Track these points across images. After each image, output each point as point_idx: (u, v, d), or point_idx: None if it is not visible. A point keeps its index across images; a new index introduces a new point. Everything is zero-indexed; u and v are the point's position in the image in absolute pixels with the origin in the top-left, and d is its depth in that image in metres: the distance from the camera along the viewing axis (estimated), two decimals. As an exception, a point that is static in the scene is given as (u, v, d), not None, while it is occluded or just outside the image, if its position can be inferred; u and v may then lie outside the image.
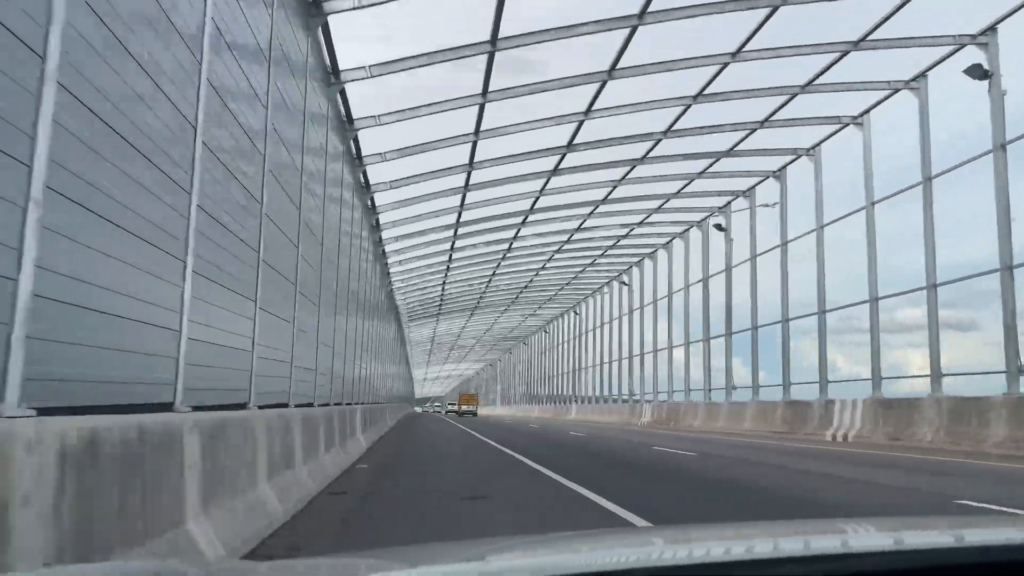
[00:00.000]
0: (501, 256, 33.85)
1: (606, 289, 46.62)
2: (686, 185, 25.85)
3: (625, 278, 42.27)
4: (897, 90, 19.51)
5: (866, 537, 1.68)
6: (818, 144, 23.30)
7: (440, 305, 46.24)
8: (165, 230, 4.78)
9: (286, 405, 8.77)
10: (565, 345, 59.22)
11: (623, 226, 32.03)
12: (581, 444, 18.95)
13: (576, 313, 54.89)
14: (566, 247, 34.31)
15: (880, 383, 20.80)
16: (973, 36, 17.06)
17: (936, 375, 18.57)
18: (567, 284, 45.89)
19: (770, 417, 24.29)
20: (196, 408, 4.98)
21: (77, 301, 3.75)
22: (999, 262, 16.72)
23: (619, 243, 35.30)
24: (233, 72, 6.08)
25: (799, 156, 24.15)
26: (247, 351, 6.94)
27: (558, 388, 61.33)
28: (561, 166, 21.38)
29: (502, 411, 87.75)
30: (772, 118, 19.95)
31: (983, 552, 1.36)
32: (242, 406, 6.72)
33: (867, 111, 21.10)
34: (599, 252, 37.18)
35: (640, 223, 31.32)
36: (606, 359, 47.49)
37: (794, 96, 18.64)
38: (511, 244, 31.58)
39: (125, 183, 4.21)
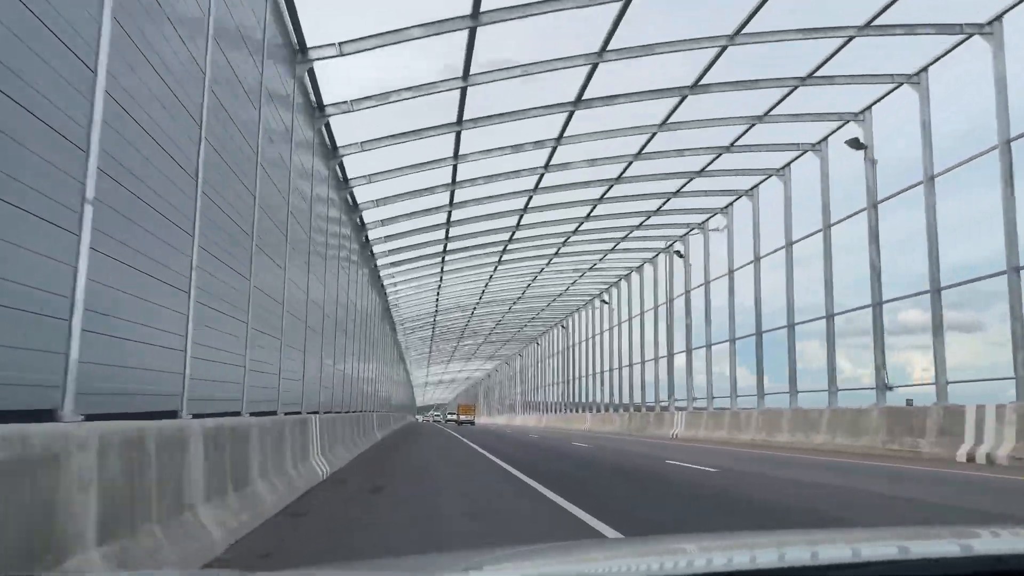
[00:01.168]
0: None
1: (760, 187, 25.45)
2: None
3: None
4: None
5: (873, 546, 1.63)
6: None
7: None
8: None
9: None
10: (648, 315, 35.57)
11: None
12: None
13: (680, 255, 31.89)
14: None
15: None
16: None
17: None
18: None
19: None
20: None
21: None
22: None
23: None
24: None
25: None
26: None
27: (625, 390, 39.39)
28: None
29: (525, 421, 63.09)
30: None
31: (994, 562, 1.31)
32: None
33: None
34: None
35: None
36: (778, 322, 24.58)
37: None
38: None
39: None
